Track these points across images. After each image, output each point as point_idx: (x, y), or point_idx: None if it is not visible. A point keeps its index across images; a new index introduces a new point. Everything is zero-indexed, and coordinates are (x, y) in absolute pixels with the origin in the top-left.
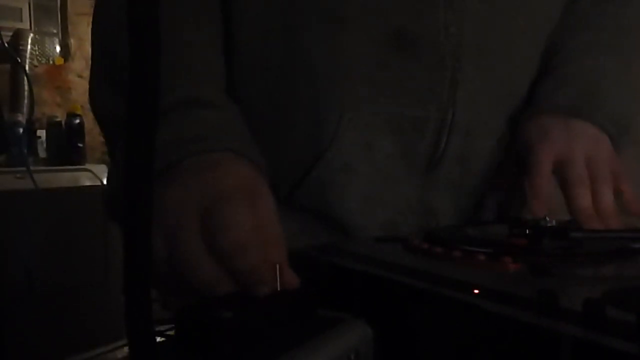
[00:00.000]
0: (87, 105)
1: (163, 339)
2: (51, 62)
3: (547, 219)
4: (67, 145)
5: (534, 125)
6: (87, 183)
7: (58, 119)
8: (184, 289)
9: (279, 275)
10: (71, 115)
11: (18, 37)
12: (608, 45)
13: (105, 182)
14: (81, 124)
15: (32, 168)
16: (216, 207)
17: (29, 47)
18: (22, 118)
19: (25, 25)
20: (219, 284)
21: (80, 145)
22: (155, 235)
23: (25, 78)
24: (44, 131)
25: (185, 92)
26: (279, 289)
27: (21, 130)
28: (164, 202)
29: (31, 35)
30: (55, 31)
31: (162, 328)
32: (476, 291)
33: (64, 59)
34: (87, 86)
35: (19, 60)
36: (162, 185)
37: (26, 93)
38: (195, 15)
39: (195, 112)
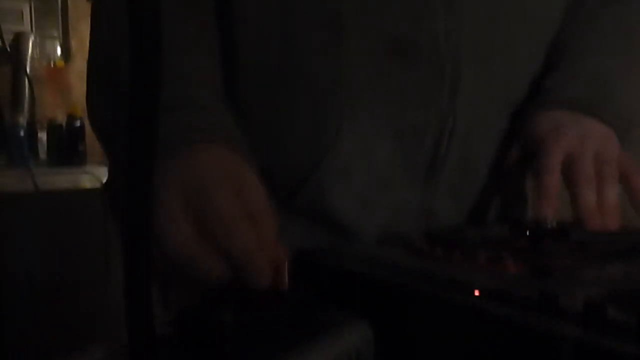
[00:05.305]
0: None
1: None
2: (52, 64)
3: (548, 219)
4: (67, 147)
5: (546, 120)
6: (87, 185)
7: (59, 121)
8: (178, 277)
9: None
10: (72, 117)
11: (19, 39)
12: (616, 46)
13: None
14: (82, 126)
15: (32, 169)
16: (204, 193)
17: (30, 49)
18: (23, 120)
19: (27, 27)
20: (213, 270)
21: (81, 147)
22: None
23: (27, 80)
24: (45, 133)
25: (173, 94)
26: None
27: (22, 131)
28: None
29: (32, 37)
30: (56, 34)
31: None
32: (477, 292)
33: (64, 61)
34: None
35: (20, 63)
36: None
37: (27, 95)
38: (185, 18)
39: (180, 112)
